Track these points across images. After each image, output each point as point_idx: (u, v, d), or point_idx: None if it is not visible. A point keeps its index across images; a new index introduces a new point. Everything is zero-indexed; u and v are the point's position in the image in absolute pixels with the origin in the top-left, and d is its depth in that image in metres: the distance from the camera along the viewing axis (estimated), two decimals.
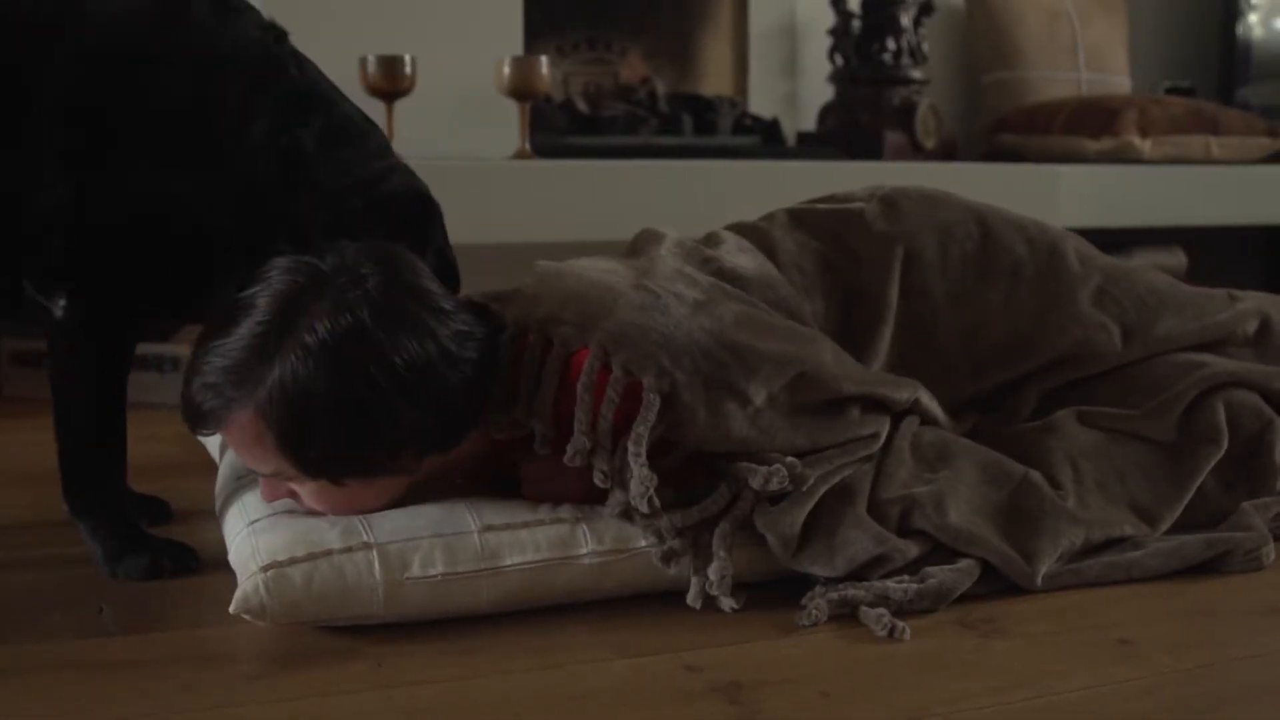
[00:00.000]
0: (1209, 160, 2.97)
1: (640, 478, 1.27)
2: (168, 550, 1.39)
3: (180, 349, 2.41)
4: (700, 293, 1.43)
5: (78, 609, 1.29)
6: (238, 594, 1.19)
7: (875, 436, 1.45)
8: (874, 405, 1.46)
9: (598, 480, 1.30)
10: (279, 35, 1.40)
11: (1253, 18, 3.50)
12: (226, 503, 1.42)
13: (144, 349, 2.36)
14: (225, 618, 1.26)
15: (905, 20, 3.01)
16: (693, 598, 1.29)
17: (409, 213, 1.41)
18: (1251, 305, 1.79)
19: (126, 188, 1.31)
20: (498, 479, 1.42)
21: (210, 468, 1.79)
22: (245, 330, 1.25)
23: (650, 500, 1.27)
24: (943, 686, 1.13)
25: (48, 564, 1.43)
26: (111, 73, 1.32)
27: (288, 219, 1.36)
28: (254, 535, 1.27)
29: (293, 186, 1.36)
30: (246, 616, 1.19)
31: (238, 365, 1.24)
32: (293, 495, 1.32)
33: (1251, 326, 1.74)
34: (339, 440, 1.25)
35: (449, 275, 1.43)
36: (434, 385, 1.27)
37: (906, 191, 1.73)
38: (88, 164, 1.30)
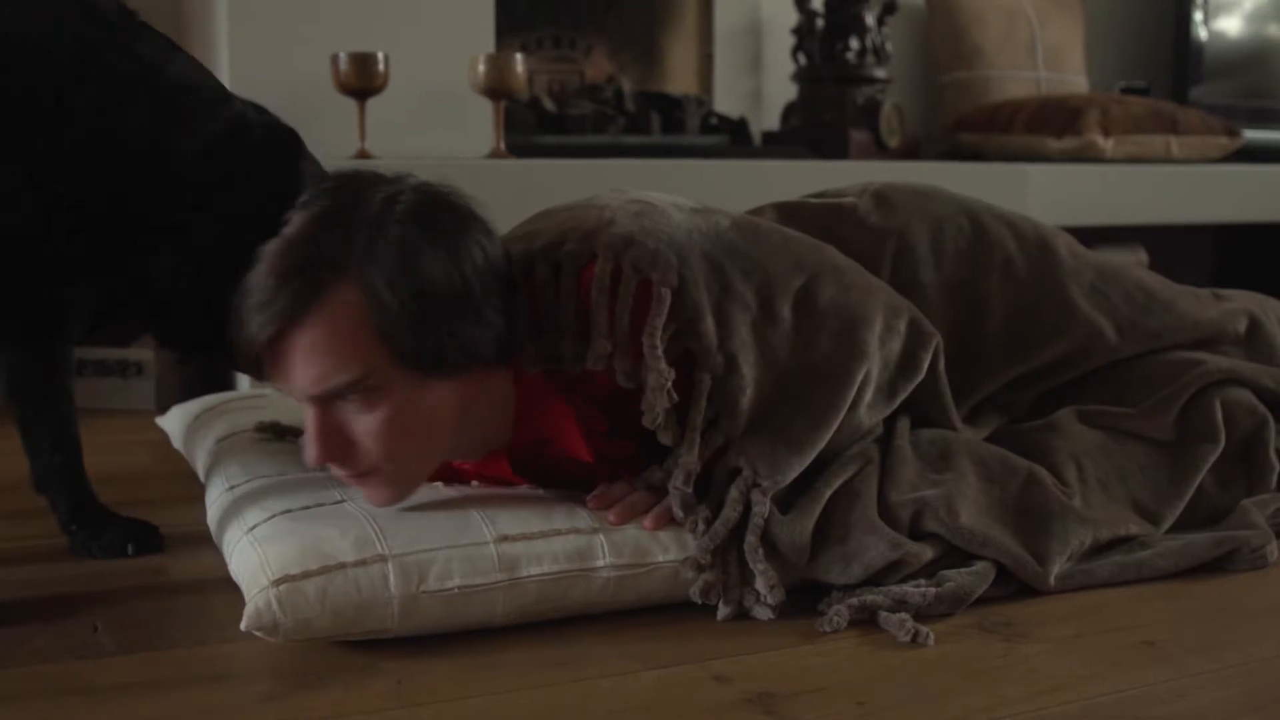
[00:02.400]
0: (1169, 160, 3.00)
1: (658, 371, 1.27)
2: (135, 530, 1.39)
3: (143, 354, 2.34)
4: (695, 204, 1.47)
5: (70, 628, 1.24)
6: (249, 609, 1.14)
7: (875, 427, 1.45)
8: (885, 389, 1.44)
9: (621, 381, 1.29)
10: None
11: (1204, 18, 3.54)
12: (222, 511, 1.36)
13: (105, 354, 2.29)
14: (229, 634, 1.21)
15: (870, 19, 3.00)
16: (724, 616, 1.27)
17: (281, 150, 1.38)
18: (1238, 305, 1.80)
19: None
20: (520, 463, 1.39)
21: (182, 478, 1.74)
22: (303, 225, 1.20)
23: (670, 394, 1.27)
24: (978, 693, 1.11)
25: (34, 582, 1.37)
26: None
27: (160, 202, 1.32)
28: (258, 545, 1.22)
29: (150, 174, 1.32)
30: (258, 633, 1.14)
31: (317, 247, 1.19)
32: (343, 456, 1.24)
33: (1241, 325, 1.75)
34: (440, 314, 1.21)
35: None
36: (497, 273, 1.27)
37: (898, 186, 1.72)
38: None
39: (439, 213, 1.25)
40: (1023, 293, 1.66)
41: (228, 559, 1.29)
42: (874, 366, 1.41)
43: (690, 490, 1.30)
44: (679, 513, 1.30)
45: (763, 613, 1.27)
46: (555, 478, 1.40)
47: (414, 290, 1.20)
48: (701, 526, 1.29)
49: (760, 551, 1.27)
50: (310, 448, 1.23)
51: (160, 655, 1.18)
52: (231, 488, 1.40)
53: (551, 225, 1.39)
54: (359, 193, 1.24)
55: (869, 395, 1.42)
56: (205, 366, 2.34)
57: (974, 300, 1.64)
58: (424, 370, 1.22)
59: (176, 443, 1.79)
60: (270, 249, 1.20)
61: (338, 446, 1.23)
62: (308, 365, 1.20)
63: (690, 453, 1.30)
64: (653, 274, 1.30)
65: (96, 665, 1.15)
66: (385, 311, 1.19)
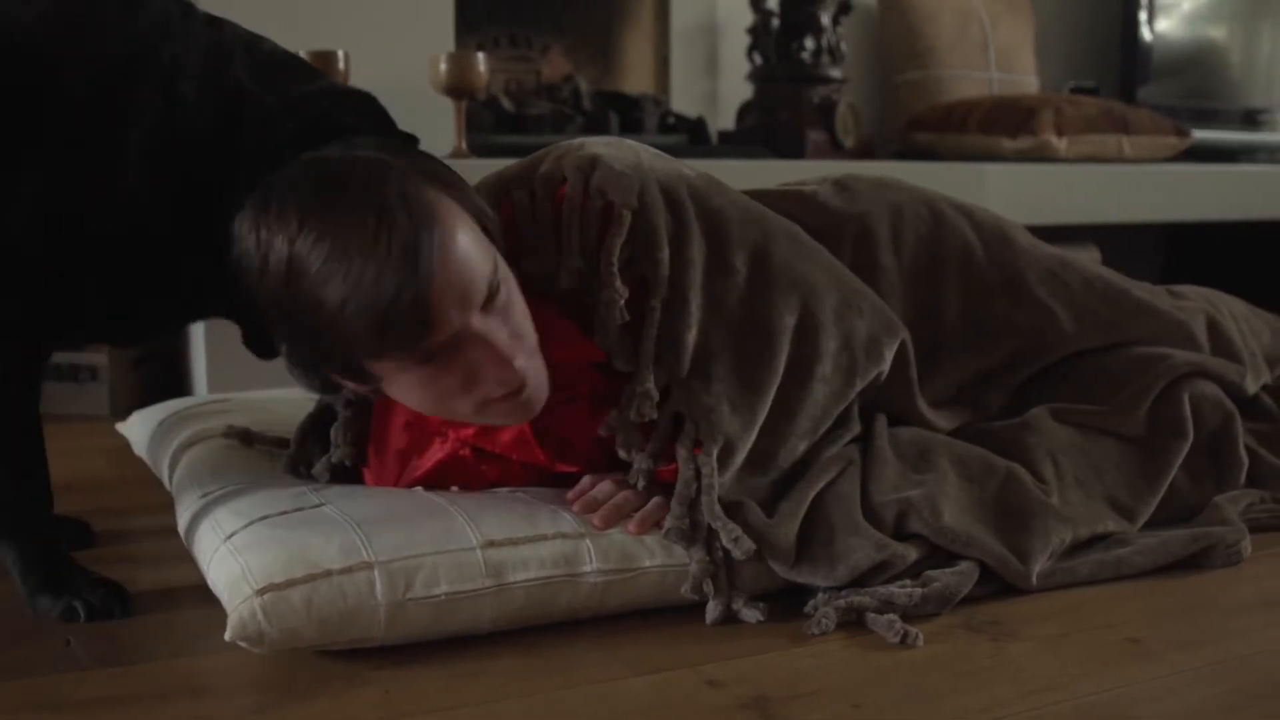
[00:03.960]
0: (1121, 159, 3.03)
1: (612, 289, 1.30)
2: (93, 592, 1.26)
3: (97, 359, 2.29)
4: (660, 151, 1.50)
5: (42, 640, 1.20)
6: (233, 619, 1.11)
7: (847, 421, 1.46)
8: (845, 370, 1.44)
9: (590, 298, 1.31)
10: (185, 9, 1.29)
11: (1149, 18, 3.59)
12: (195, 519, 1.33)
13: (58, 359, 2.24)
14: (205, 646, 1.19)
15: (825, 19, 3.00)
16: (713, 619, 1.26)
17: (369, 105, 1.31)
18: (1195, 303, 1.82)
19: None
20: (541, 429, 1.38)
21: (144, 484, 1.70)
22: (330, 189, 1.14)
23: (621, 312, 1.30)
24: (973, 694, 1.11)
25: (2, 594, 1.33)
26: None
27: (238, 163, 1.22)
28: (238, 553, 1.19)
29: (238, 123, 1.23)
30: (243, 643, 1.11)
31: (368, 184, 1.14)
32: (524, 350, 1.22)
33: (1200, 321, 1.77)
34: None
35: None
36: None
37: (858, 176, 1.72)
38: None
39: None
40: (982, 278, 1.66)
41: (204, 568, 1.26)
42: (827, 340, 1.41)
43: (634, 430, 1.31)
44: (623, 451, 1.31)
45: (750, 615, 1.26)
46: (572, 437, 1.39)
47: (443, 168, 1.22)
48: (642, 483, 1.31)
49: (717, 508, 1.28)
50: (503, 362, 1.19)
51: (138, 669, 1.14)
52: (205, 495, 1.37)
53: (519, 163, 1.42)
54: (332, 156, 1.19)
55: (825, 369, 1.41)
56: (163, 371, 2.30)
57: (933, 286, 1.64)
58: (493, 235, 1.24)
59: (139, 449, 1.75)
60: (324, 235, 1.11)
61: (515, 338, 1.22)
62: (472, 270, 1.16)
63: (644, 382, 1.30)
64: (615, 196, 1.33)
65: (74, 680, 1.12)
66: (455, 188, 1.20)
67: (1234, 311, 1.88)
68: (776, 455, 1.38)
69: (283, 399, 1.77)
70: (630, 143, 1.46)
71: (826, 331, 1.42)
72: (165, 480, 1.57)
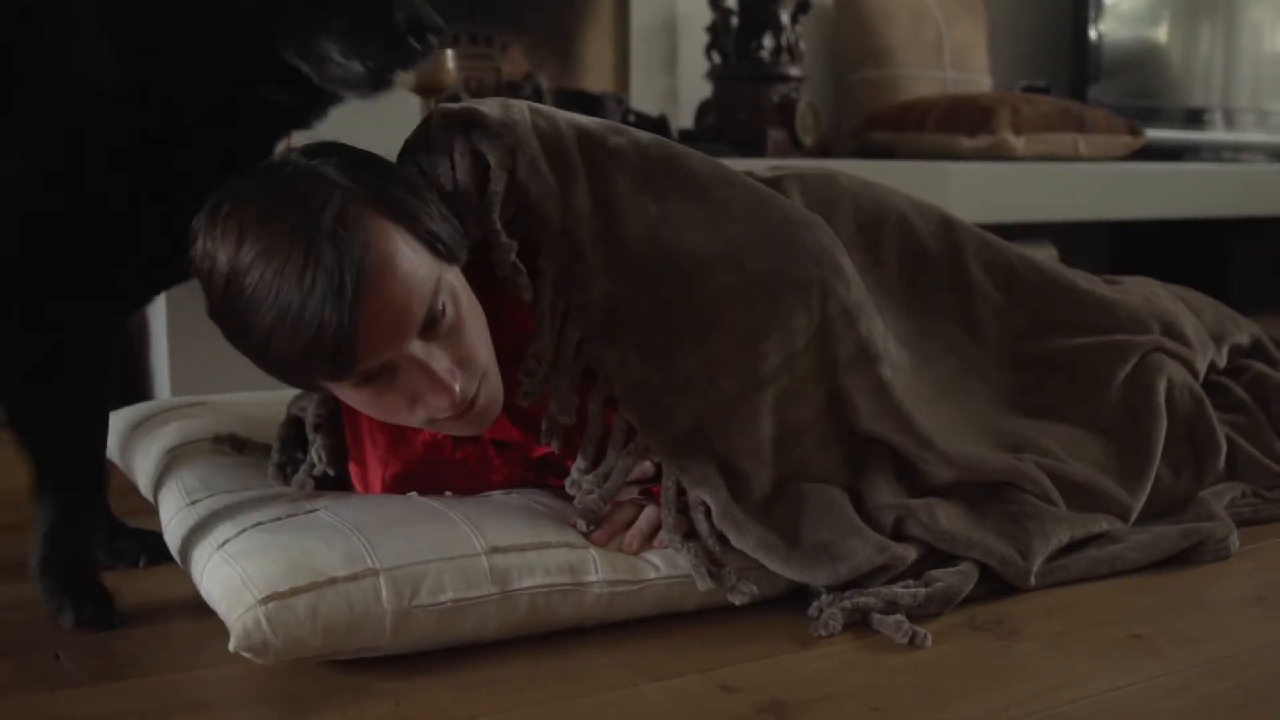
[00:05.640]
0: (1077, 158, 3.06)
1: (501, 246, 1.26)
2: (85, 604, 1.23)
3: None
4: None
5: (31, 655, 1.16)
6: (237, 630, 1.08)
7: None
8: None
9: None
10: None
11: (1097, 18, 3.63)
12: (182, 526, 1.29)
13: None
14: (201, 659, 1.16)
15: (784, 17, 3.00)
16: (703, 586, 1.25)
17: None
18: (1137, 295, 1.80)
19: None
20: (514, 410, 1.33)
21: (114, 488, 1.65)
22: (265, 213, 1.13)
23: (516, 266, 1.26)
24: (988, 694, 1.11)
25: None
26: None
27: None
28: (235, 561, 1.15)
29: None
30: (247, 654, 1.08)
31: (307, 209, 1.13)
32: (468, 371, 1.21)
33: (1144, 305, 1.76)
34: (423, 204, 1.21)
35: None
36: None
37: (803, 172, 1.69)
38: None
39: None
40: (930, 266, 1.66)
41: (196, 577, 1.22)
42: (754, 263, 1.36)
43: (541, 374, 1.28)
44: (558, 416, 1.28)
45: (739, 598, 1.25)
46: (539, 415, 1.33)
47: (402, 187, 1.20)
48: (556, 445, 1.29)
49: (671, 493, 1.28)
50: (442, 389, 1.19)
51: (134, 684, 1.11)
52: (192, 502, 1.33)
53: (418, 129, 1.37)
54: (286, 171, 1.18)
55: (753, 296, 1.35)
56: (124, 373, 2.24)
57: (879, 275, 1.60)
58: (450, 254, 1.21)
59: (111, 453, 1.70)
60: (259, 259, 1.12)
61: (460, 364, 1.20)
62: (406, 299, 1.15)
63: (538, 342, 1.28)
64: (490, 156, 1.28)
65: (69, 697, 1.08)
66: (403, 212, 1.17)
67: (1174, 293, 1.89)
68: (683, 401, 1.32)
69: (258, 401, 1.73)
70: (517, 101, 1.38)
71: (753, 252, 1.37)
72: (142, 485, 1.53)
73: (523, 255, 1.28)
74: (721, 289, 1.34)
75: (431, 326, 1.18)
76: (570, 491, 1.30)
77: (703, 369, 1.32)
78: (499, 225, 1.27)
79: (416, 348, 1.17)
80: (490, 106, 1.33)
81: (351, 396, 1.23)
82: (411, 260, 1.16)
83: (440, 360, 1.19)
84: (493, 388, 1.25)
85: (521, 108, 1.35)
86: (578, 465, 1.29)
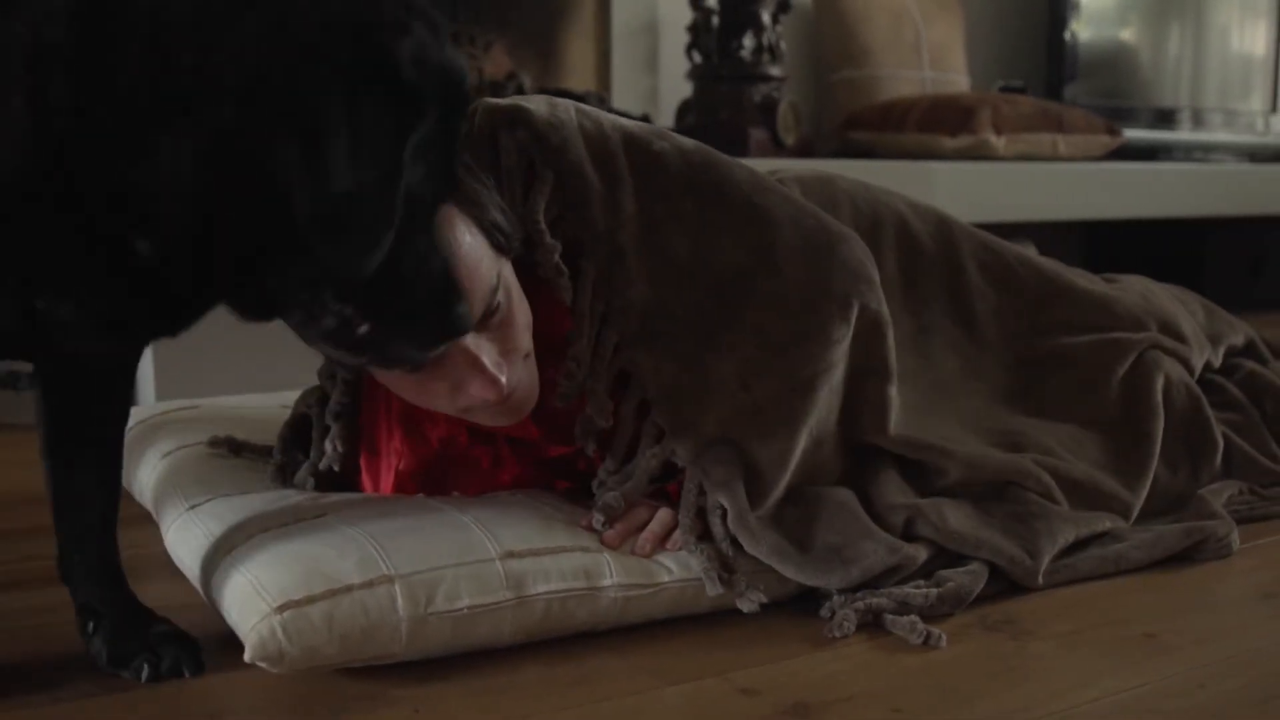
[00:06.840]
0: (1056, 158, 3.07)
1: (545, 246, 1.26)
2: (170, 649, 1.13)
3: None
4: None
5: (37, 666, 1.14)
6: (252, 639, 1.06)
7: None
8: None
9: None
10: None
11: (1072, 18, 3.65)
12: (185, 532, 1.27)
13: None
14: (217, 666, 1.13)
15: (765, 17, 3.00)
16: (712, 590, 1.24)
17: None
18: (1134, 294, 1.81)
19: None
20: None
21: None
22: None
23: (559, 267, 1.26)
24: (1006, 694, 1.11)
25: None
26: None
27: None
28: (245, 568, 1.14)
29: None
30: (262, 663, 1.06)
31: None
32: (489, 387, 1.19)
33: (1141, 304, 1.77)
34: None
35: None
36: None
37: (802, 175, 1.69)
38: None
39: None
40: (927, 265, 1.66)
41: (200, 584, 1.20)
42: (794, 271, 1.36)
43: (580, 376, 1.28)
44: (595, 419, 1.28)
45: (747, 605, 1.24)
46: (559, 413, 1.34)
47: (468, 174, 1.18)
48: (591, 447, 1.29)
49: (692, 495, 1.28)
50: (489, 380, 1.18)
51: (147, 693, 1.09)
52: (192, 507, 1.31)
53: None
54: None
55: (792, 305, 1.34)
56: None
57: (872, 247, 1.59)
58: (507, 247, 1.21)
59: None
60: None
61: (506, 356, 1.21)
62: (469, 288, 1.14)
63: (577, 345, 1.27)
64: (537, 155, 1.28)
65: (81, 708, 1.06)
66: (468, 198, 1.16)
67: (1169, 293, 1.90)
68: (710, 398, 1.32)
69: (251, 404, 1.71)
70: (563, 100, 1.37)
71: (792, 262, 1.36)
72: (138, 493, 1.50)
73: (563, 256, 1.27)
74: (760, 296, 1.34)
75: (485, 319, 1.17)
76: (596, 491, 1.29)
77: (736, 375, 1.31)
78: (544, 225, 1.27)
79: (469, 338, 1.16)
80: (537, 105, 1.32)
81: (393, 379, 1.21)
82: (476, 251, 1.16)
83: (489, 353, 1.19)
84: (529, 377, 1.25)
85: (568, 107, 1.34)
86: (606, 466, 1.29)
